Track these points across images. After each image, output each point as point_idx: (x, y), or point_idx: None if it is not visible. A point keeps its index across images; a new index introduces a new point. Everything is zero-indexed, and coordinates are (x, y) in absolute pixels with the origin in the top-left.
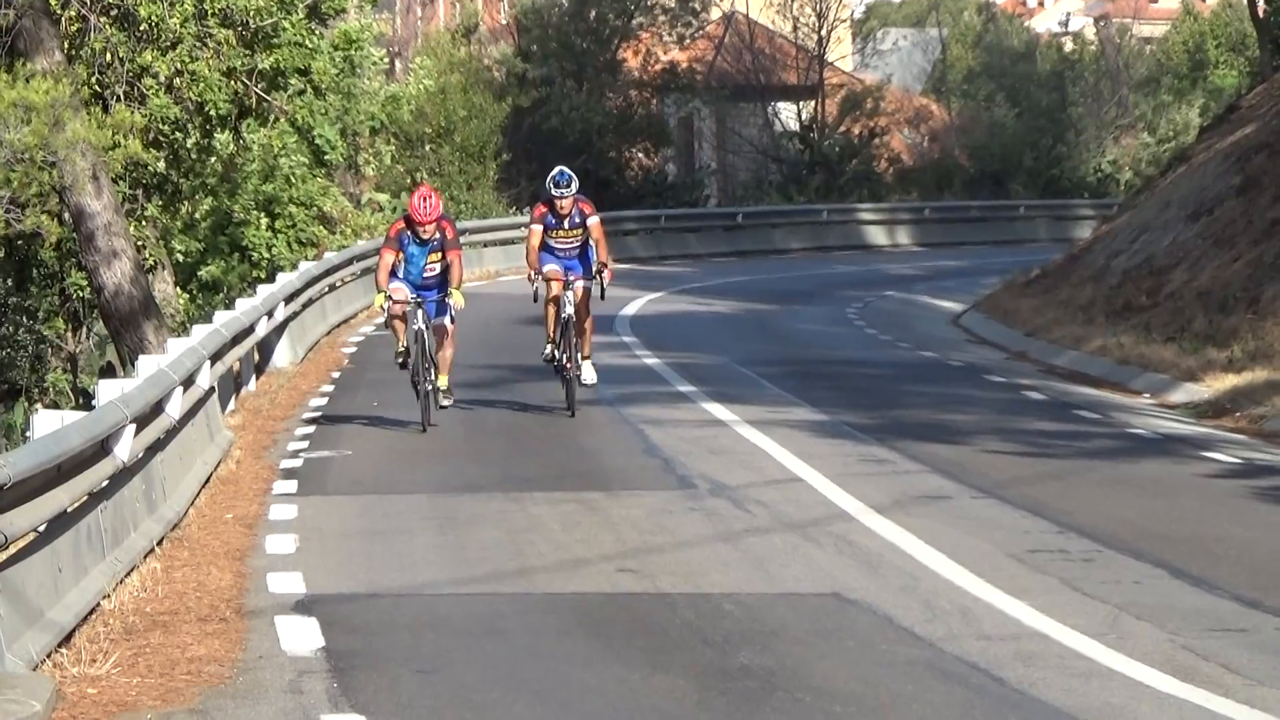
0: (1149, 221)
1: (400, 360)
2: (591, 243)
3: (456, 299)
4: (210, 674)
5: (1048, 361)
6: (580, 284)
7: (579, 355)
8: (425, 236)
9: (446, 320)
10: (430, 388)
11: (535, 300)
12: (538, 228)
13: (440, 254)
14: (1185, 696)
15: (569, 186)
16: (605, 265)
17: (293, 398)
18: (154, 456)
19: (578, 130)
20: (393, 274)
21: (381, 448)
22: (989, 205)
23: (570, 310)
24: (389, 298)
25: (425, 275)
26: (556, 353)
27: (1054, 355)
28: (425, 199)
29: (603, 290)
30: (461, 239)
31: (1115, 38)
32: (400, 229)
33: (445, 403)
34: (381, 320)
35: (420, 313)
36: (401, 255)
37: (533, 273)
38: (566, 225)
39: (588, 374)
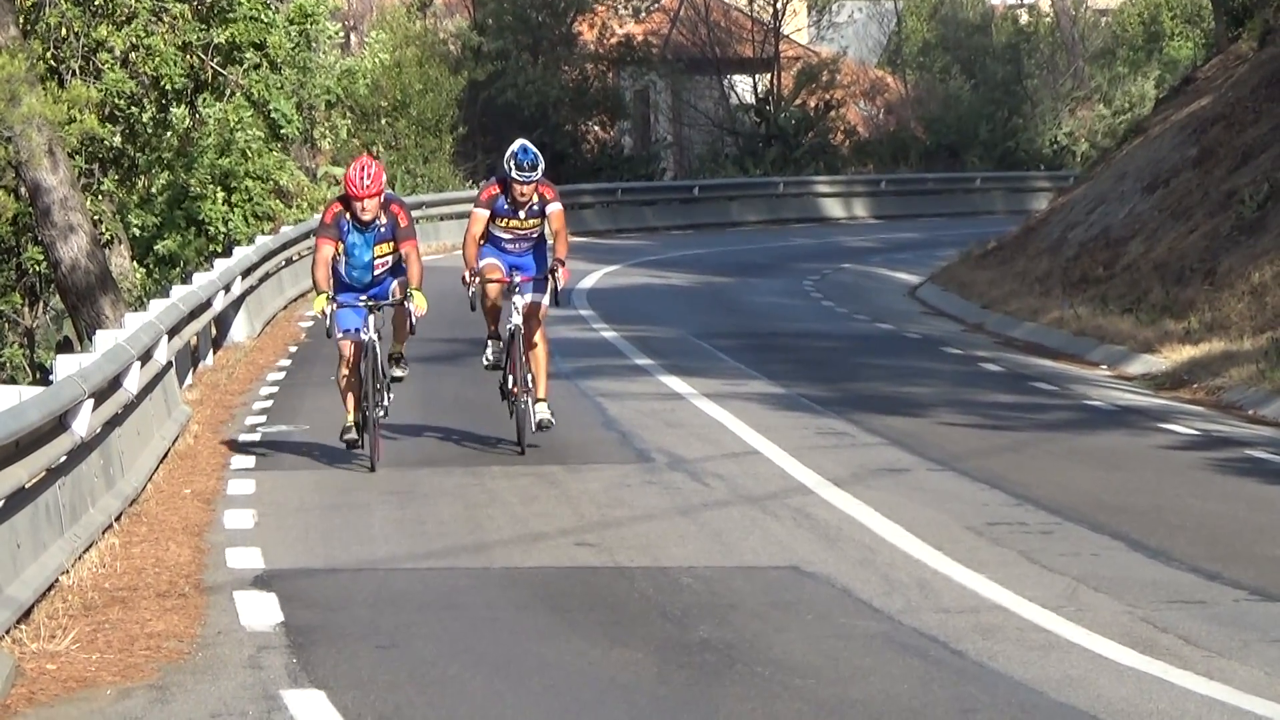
0: (1105, 193)
1: (348, 438)
2: (548, 234)
3: (418, 302)
4: (169, 649)
5: (1004, 334)
6: (530, 298)
7: (529, 383)
8: (367, 218)
9: (405, 329)
10: (381, 414)
11: (472, 309)
12: (483, 213)
13: (390, 244)
14: (1144, 669)
15: (534, 170)
16: (562, 262)
17: (250, 372)
18: (112, 432)
19: (534, 104)
20: (335, 274)
21: (339, 422)
22: (945, 178)
23: (517, 319)
24: (332, 299)
25: (376, 273)
26: (500, 359)
27: (1011, 327)
28: (364, 169)
29: (556, 295)
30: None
31: (1071, 10)
32: (337, 212)
33: (399, 373)
34: (313, 315)
35: (371, 319)
36: (342, 247)
37: (468, 272)
38: (523, 214)
39: (542, 414)
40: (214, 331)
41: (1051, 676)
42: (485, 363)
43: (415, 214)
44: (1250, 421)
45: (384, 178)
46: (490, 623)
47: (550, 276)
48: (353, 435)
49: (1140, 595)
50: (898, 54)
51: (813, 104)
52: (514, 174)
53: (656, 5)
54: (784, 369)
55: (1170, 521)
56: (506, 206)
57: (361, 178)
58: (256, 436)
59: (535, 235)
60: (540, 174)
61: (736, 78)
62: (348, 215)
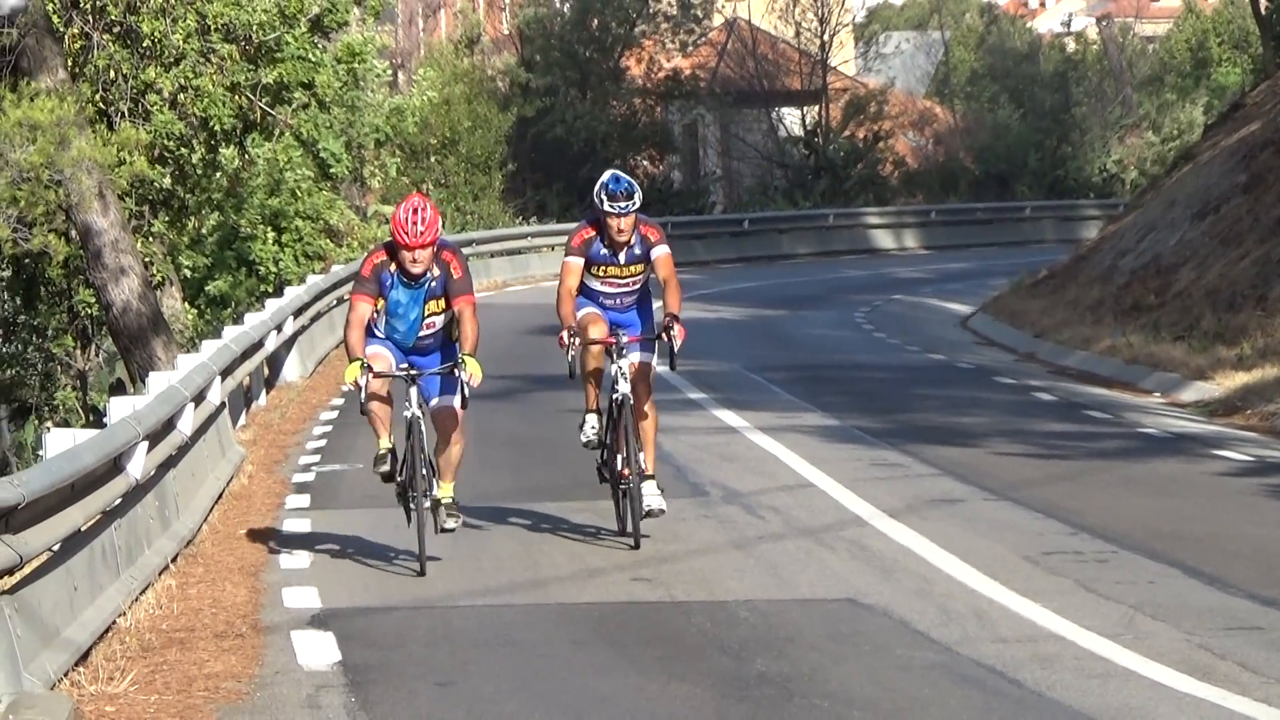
0: (1155, 221)
1: (382, 468)
2: (659, 283)
3: (473, 371)
4: (228, 690)
5: (1057, 362)
6: (637, 356)
7: (639, 462)
8: (417, 271)
9: (455, 402)
10: (429, 503)
11: (571, 376)
12: (576, 262)
13: (441, 301)
14: (1203, 695)
15: (630, 199)
16: (676, 318)
17: (303, 411)
18: (167, 473)
19: (582, 139)
20: (370, 333)
21: None
22: (995, 207)
23: (625, 387)
24: (366, 367)
25: (422, 335)
26: (604, 439)
27: (1063, 356)
28: (416, 211)
29: (673, 358)
30: (466, 251)
31: (1118, 37)
32: (379, 263)
33: (450, 525)
34: (347, 389)
35: (414, 391)
36: (382, 304)
37: (567, 332)
38: (623, 259)
39: (652, 498)
40: (266, 371)
41: (1110, 705)
42: (584, 440)
43: (465, 251)
44: None
45: (440, 223)
46: (548, 659)
47: (664, 335)
48: (386, 467)
49: (1198, 622)
50: (945, 84)
51: (861, 135)
52: (608, 206)
53: (704, 39)
54: (837, 401)
55: (1226, 548)
56: (604, 252)
57: (414, 222)
58: (311, 476)
59: (638, 286)
60: (638, 203)
61: (784, 110)
62: (392, 267)
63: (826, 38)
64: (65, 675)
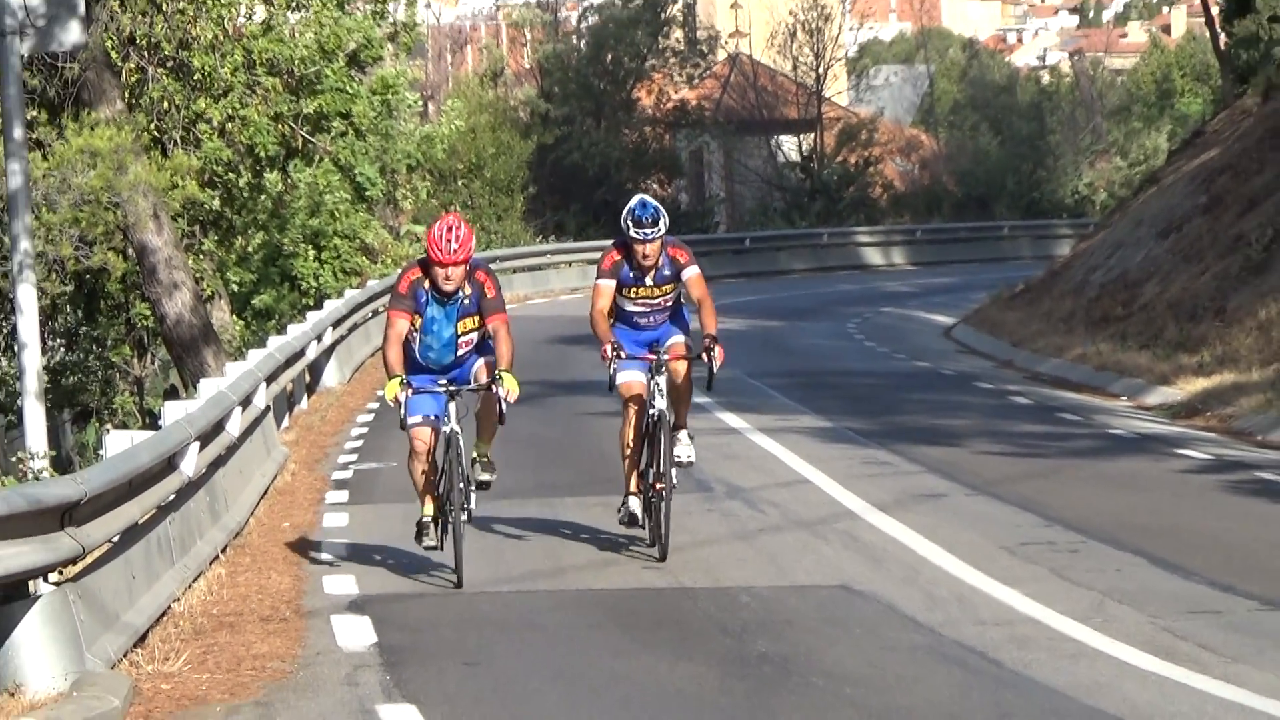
0: (1123, 239)
1: (426, 542)
2: (691, 302)
3: (509, 386)
4: (273, 669)
5: (1032, 369)
6: (678, 337)
7: (672, 479)
8: (450, 289)
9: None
10: (465, 519)
11: (610, 388)
12: (607, 284)
13: (475, 318)
14: (1166, 674)
15: (655, 225)
16: (715, 340)
17: (341, 415)
18: (217, 471)
19: (597, 164)
20: (407, 357)
21: None
22: (975, 227)
23: (662, 404)
24: (406, 384)
25: (457, 353)
26: (638, 510)
27: (1038, 363)
28: (451, 229)
29: (711, 378)
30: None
31: (1089, 70)
32: (414, 280)
33: (484, 477)
34: (380, 399)
35: (453, 407)
36: (419, 320)
37: (609, 347)
38: (651, 280)
39: (684, 448)
40: (308, 378)
41: (1081, 683)
42: (621, 518)
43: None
44: (1259, 446)
45: (473, 242)
46: (566, 641)
47: (705, 357)
48: (432, 540)
49: (1161, 607)
50: (930, 113)
51: (853, 161)
52: (633, 233)
53: (708, 72)
54: (831, 404)
55: (1187, 539)
56: (631, 274)
57: (448, 240)
58: (349, 473)
59: (670, 304)
60: (664, 229)
61: (783, 137)
62: (426, 284)
63: (821, 71)
64: (124, 656)
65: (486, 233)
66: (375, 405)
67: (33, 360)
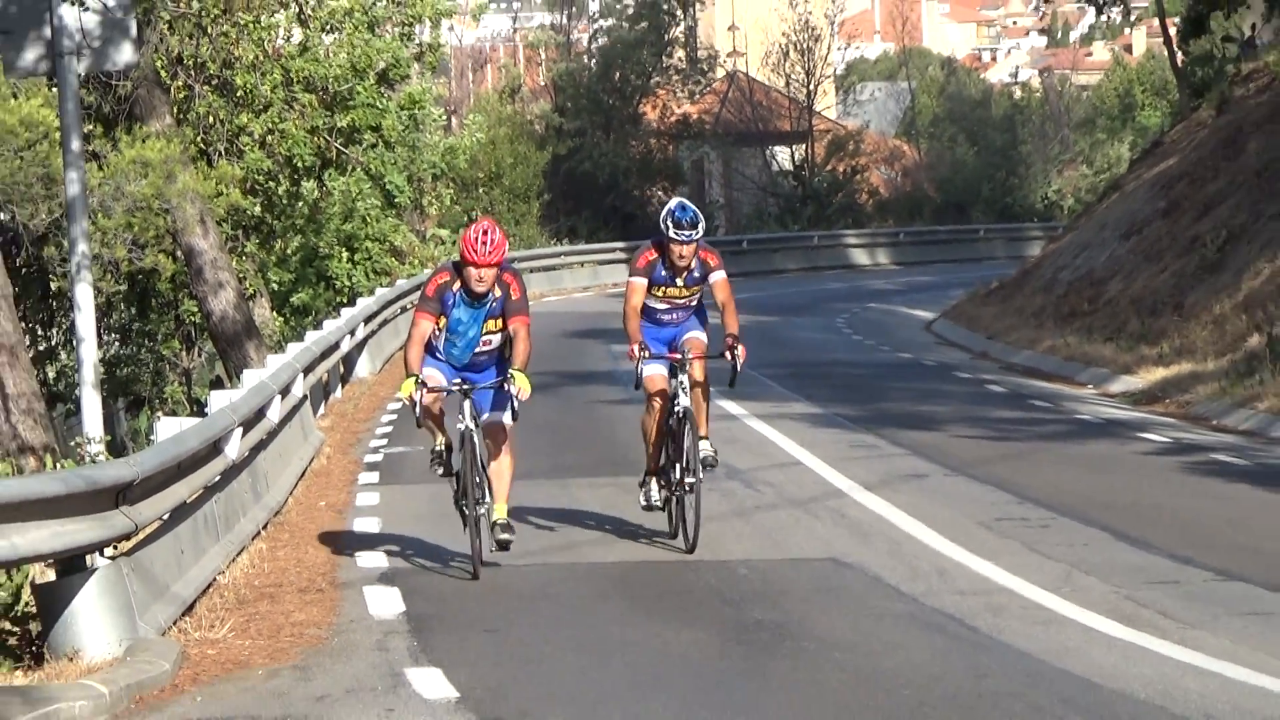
0: (1089, 241)
1: (435, 461)
2: (718, 305)
3: (521, 385)
4: (310, 636)
5: (1006, 360)
6: (696, 333)
7: (696, 474)
8: (481, 290)
9: (506, 417)
10: (483, 510)
11: (636, 386)
12: (640, 282)
13: (500, 321)
14: (1129, 639)
15: (694, 228)
16: (738, 339)
17: (372, 403)
18: (258, 454)
19: (606, 173)
20: (428, 351)
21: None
22: (954, 229)
23: (686, 401)
24: (421, 384)
25: (478, 352)
26: (655, 492)
27: (1011, 354)
28: (486, 233)
29: (734, 376)
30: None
31: (1057, 86)
32: (442, 283)
33: (504, 536)
34: (404, 405)
35: (468, 405)
36: (443, 322)
37: (636, 346)
38: (682, 282)
39: (705, 448)
40: (342, 369)
41: (1051, 647)
42: (643, 505)
43: None
44: (1215, 430)
45: (506, 246)
46: (579, 610)
47: (728, 355)
48: (441, 463)
49: (1124, 578)
50: (912, 126)
51: (841, 169)
52: (673, 233)
53: (708, 89)
54: (822, 393)
55: (1148, 516)
56: (664, 274)
57: (483, 242)
58: (379, 457)
59: (694, 304)
60: (701, 231)
61: (776, 148)
62: (455, 286)
63: (812, 87)
64: (173, 624)
65: (509, 237)
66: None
67: (90, 353)
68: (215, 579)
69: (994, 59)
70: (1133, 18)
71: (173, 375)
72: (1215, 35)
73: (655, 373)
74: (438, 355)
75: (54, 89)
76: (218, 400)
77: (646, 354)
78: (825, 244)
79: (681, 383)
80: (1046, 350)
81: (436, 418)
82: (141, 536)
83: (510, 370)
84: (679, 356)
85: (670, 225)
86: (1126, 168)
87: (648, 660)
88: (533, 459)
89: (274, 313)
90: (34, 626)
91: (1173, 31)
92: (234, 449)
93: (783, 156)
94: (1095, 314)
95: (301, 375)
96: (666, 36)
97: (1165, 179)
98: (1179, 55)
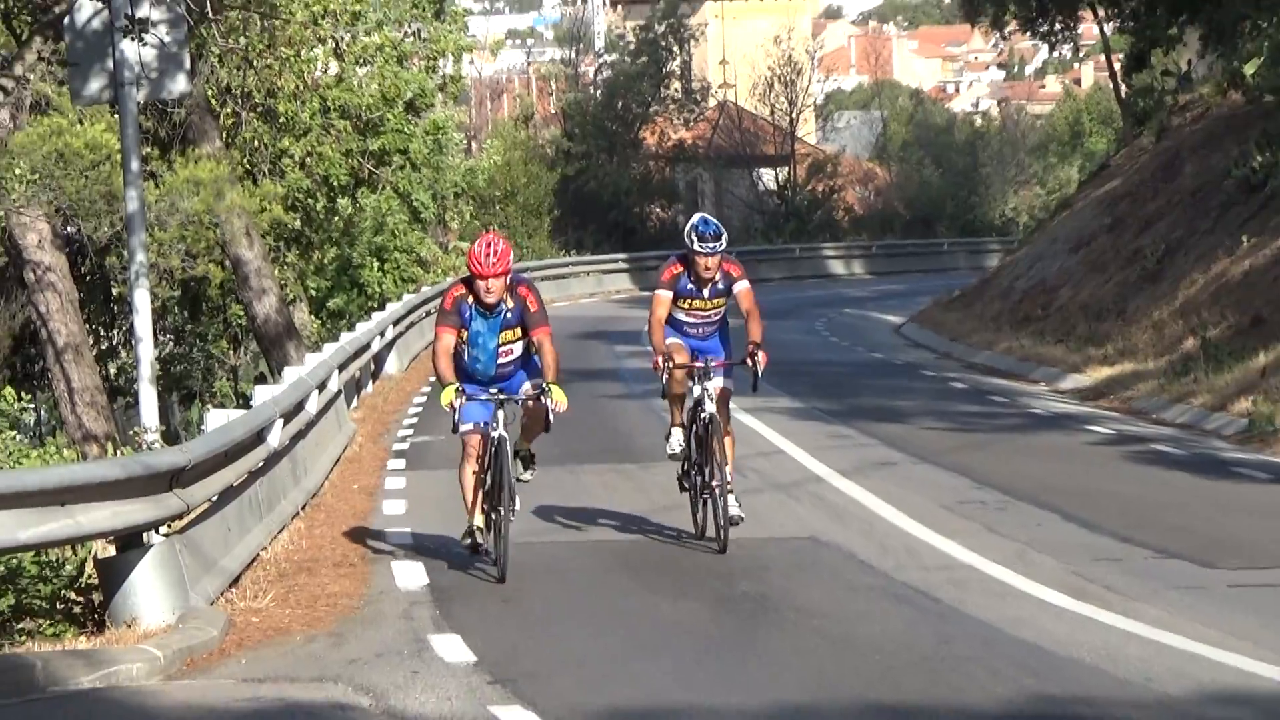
0: (1041, 253)
1: (469, 543)
2: (742, 313)
3: (558, 398)
4: (343, 605)
5: (968, 360)
6: (720, 382)
7: (724, 476)
8: (491, 300)
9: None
10: (509, 513)
11: (663, 396)
12: (666, 294)
13: (517, 331)
14: (1077, 610)
15: (718, 240)
16: (759, 345)
17: (400, 397)
18: (298, 443)
19: (610, 192)
20: (456, 364)
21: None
22: (921, 243)
23: (711, 407)
24: (460, 390)
25: (501, 363)
26: (689, 453)
27: (972, 355)
28: (489, 245)
29: (756, 381)
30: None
31: (1014, 115)
32: (458, 296)
33: (526, 476)
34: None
35: (501, 414)
36: (464, 334)
37: (660, 358)
38: (707, 294)
39: (734, 508)
40: (372, 367)
41: (1007, 617)
42: (670, 452)
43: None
44: (1154, 423)
45: (511, 257)
46: (584, 583)
47: (749, 361)
48: (477, 539)
49: (1073, 555)
50: (884, 150)
51: (820, 189)
52: (697, 246)
53: (701, 117)
54: (802, 389)
55: (1094, 499)
56: (690, 286)
57: (487, 254)
58: (406, 445)
59: (718, 317)
60: (724, 243)
61: (762, 170)
62: (470, 299)
63: (794, 115)
64: (221, 595)
65: (519, 248)
66: (427, 389)
67: (147, 352)
68: (258, 554)
69: (957, 90)
70: (1082, 54)
71: (221, 372)
72: (1155, 70)
73: (674, 342)
74: (466, 373)
75: (115, 115)
76: (261, 394)
77: (671, 363)
78: (806, 256)
79: (708, 391)
80: (1003, 351)
81: (479, 473)
82: (192, 516)
83: (544, 384)
84: (700, 365)
85: (695, 239)
86: (1075, 188)
87: (646, 628)
88: (543, 447)
89: (312, 316)
90: (96, 597)
91: (1117, 66)
92: (276, 438)
93: (768, 177)
94: (1047, 319)
95: (336, 372)
96: (664, 70)
97: (1110, 198)
98: (1123, 88)
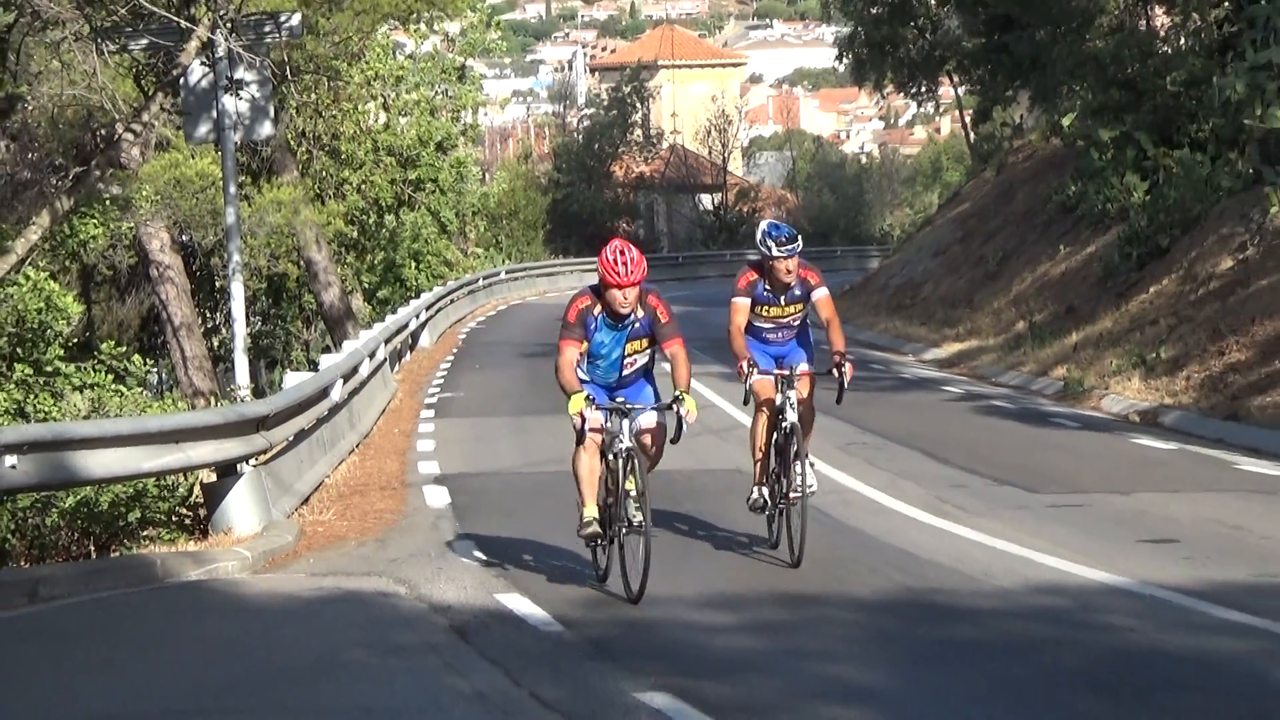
0: (910, 259)
1: (588, 534)
2: (822, 322)
3: (689, 408)
4: (387, 519)
5: (854, 337)
6: (804, 366)
7: (803, 489)
8: (624, 311)
9: (670, 428)
10: (629, 522)
11: (745, 403)
12: (743, 302)
13: (644, 341)
14: (936, 524)
15: (794, 241)
16: (845, 357)
17: (429, 364)
18: (353, 398)
19: (588, 211)
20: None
21: (482, 392)
22: (820, 249)
23: (793, 417)
24: (589, 399)
25: (622, 372)
26: (766, 496)
27: (858, 334)
28: (622, 253)
29: (841, 393)
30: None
31: (890, 155)
32: (583, 308)
33: (638, 517)
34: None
35: (627, 424)
36: (585, 346)
37: (745, 362)
38: (784, 300)
39: (811, 477)
40: (410, 341)
41: (882, 529)
42: (751, 503)
43: (519, 275)
44: (993, 385)
45: (645, 264)
46: (565, 502)
47: (835, 371)
48: (595, 528)
49: (932, 483)
50: (793, 181)
51: (745, 209)
52: (775, 251)
53: (657, 155)
54: (727, 356)
55: (948, 442)
56: (767, 293)
57: (621, 263)
58: (435, 399)
59: (798, 323)
60: (800, 246)
61: (702, 196)
62: (597, 310)
63: (726, 154)
64: (295, 510)
65: (521, 254)
66: (451, 358)
67: (240, 330)
68: (323, 480)
69: (848, 136)
70: (941, 109)
71: (296, 344)
72: (996, 121)
73: (765, 381)
74: (580, 373)
75: (218, 152)
76: (326, 361)
77: (755, 370)
78: (734, 259)
79: (790, 399)
80: (881, 331)
81: (596, 465)
82: (274, 452)
83: (677, 392)
84: (785, 372)
85: (771, 244)
86: (936, 210)
87: None
88: (537, 402)
89: (365, 303)
90: (201, 512)
91: (968, 119)
92: (337, 393)
93: (706, 201)
94: (914, 307)
95: (383, 345)
96: (629, 120)
97: (961, 217)
98: (972, 135)
